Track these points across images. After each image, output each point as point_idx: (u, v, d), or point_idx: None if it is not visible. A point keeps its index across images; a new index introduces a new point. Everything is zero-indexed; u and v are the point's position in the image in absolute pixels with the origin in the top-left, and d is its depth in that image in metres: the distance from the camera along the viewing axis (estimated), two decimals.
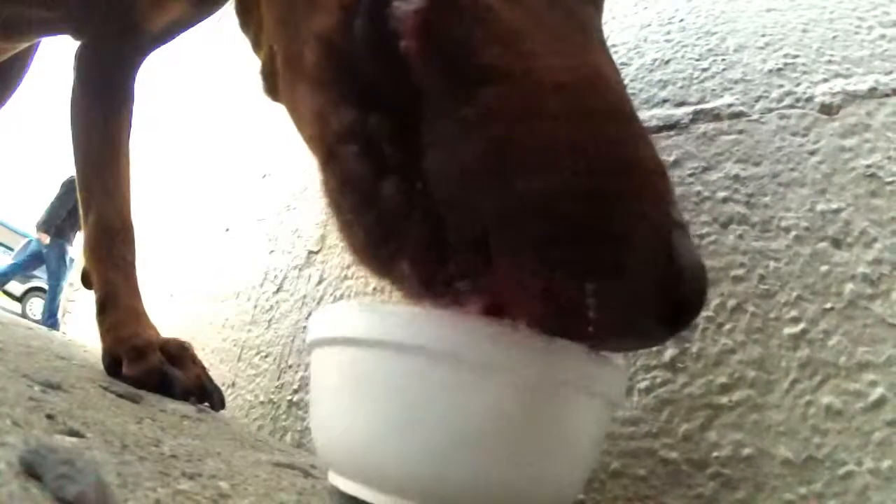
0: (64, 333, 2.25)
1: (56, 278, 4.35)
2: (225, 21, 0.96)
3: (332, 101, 0.33)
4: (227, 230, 1.35)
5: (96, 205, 0.88)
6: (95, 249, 0.86)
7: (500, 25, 0.30)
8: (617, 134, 0.30)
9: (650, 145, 0.31)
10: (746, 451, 0.42)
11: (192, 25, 0.94)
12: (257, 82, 0.47)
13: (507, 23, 0.30)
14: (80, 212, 0.90)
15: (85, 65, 0.93)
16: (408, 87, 0.30)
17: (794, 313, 0.44)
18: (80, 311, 2.28)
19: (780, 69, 0.52)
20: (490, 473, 0.30)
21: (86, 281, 0.90)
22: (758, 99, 0.52)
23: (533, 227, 0.27)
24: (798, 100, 0.50)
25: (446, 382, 0.30)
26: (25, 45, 1.07)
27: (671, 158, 0.54)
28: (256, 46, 0.51)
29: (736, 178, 0.50)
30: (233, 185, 1.43)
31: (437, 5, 0.31)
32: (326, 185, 0.34)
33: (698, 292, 0.30)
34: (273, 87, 0.44)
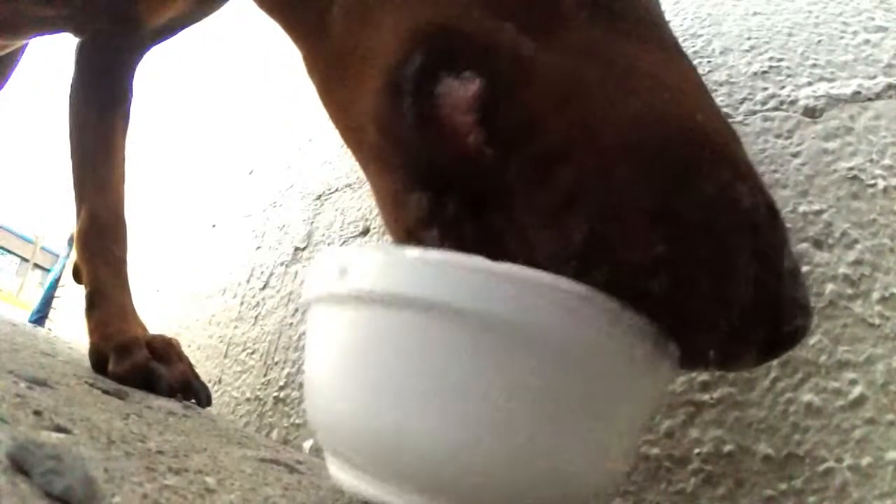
0: (49, 330, 2.23)
1: (56, 278, 4.29)
2: (213, 18, 0.95)
3: (403, 185, 0.32)
4: (214, 226, 1.35)
5: (89, 199, 0.87)
6: (86, 244, 0.86)
7: (557, 92, 0.28)
8: (714, 185, 0.27)
9: (754, 180, 0.29)
10: (727, 447, 0.43)
11: (193, 23, 0.94)
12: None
13: (565, 86, 0.29)
14: (74, 205, 0.90)
15: (85, 60, 0.92)
16: (475, 169, 0.29)
17: None
18: (65, 308, 2.27)
19: (764, 72, 0.52)
20: (538, 460, 0.26)
21: (77, 276, 0.89)
22: (742, 101, 0.52)
23: (650, 287, 0.26)
24: (782, 103, 0.50)
25: (499, 349, 0.25)
26: (22, 42, 1.06)
27: None
28: None
29: None
30: (219, 181, 1.42)
31: (496, 88, 0.29)
32: None
33: (798, 330, 0.29)
34: None
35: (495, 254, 0.28)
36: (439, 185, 0.31)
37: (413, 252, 0.26)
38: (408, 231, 0.33)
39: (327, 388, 0.29)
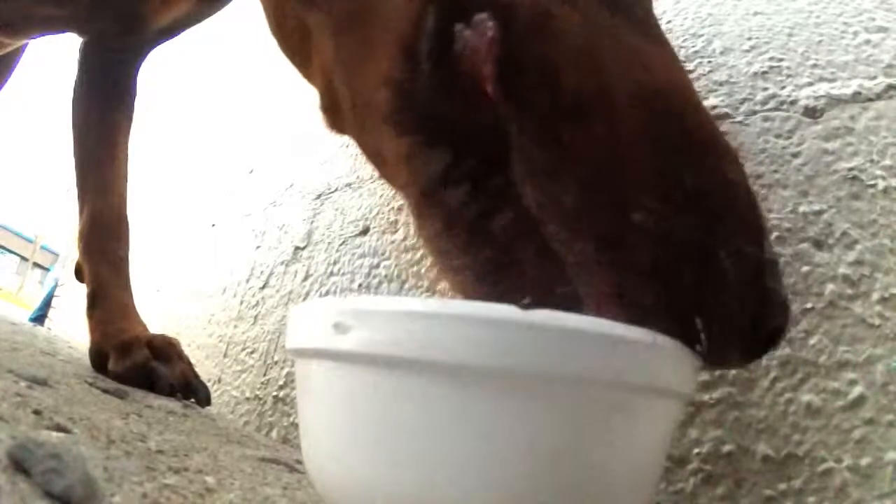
0: (49, 329, 2.23)
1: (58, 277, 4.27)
2: (215, 19, 0.95)
3: (419, 146, 0.32)
4: (214, 226, 1.35)
5: (91, 199, 0.88)
6: (88, 244, 0.86)
7: (574, 48, 0.29)
8: (709, 164, 0.28)
9: (738, 165, 0.30)
10: (727, 447, 0.43)
11: (196, 23, 0.94)
12: (317, 116, 0.43)
13: (581, 44, 0.29)
14: (77, 205, 0.90)
15: (89, 60, 0.93)
16: (491, 123, 0.30)
17: None
18: (65, 307, 2.27)
19: (765, 72, 0.52)
20: None
21: (79, 275, 0.90)
22: (742, 101, 0.52)
23: (638, 257, 0.26)
24: (782, 103, 0.50)
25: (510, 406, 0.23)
26: (23, 42, 1.06)
27: None
28: (308, 77, 0.46)
29: None
30: (219, 180, 1.42)
31: (513, 33, 0.29)
32: (424, 230, 0.32)
33: (780, 330, 0.29)
34: (336, 122, 0.41)
35: (509, 209, 0.29)
36: (455, 141, 0.31)
37: (425, 305, 0.24)
38: (425, 192, 0.32)
39: (341, 454, 0.26)
